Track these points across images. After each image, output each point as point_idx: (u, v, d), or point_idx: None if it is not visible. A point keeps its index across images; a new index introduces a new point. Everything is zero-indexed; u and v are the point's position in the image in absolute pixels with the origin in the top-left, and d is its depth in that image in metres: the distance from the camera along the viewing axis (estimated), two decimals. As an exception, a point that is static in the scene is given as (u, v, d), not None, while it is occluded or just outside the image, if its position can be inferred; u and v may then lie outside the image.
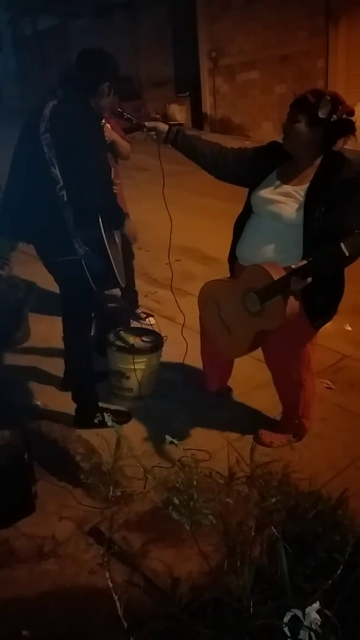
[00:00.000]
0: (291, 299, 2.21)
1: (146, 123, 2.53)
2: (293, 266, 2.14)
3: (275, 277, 2.17)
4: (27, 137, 2.38)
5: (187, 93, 13.13)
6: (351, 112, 2.16)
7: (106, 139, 3.21)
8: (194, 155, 2.49)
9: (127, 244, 3.57)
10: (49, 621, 1.88)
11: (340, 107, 2.12)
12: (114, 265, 2.46)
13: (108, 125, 3.24)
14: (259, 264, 2.27)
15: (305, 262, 2.11)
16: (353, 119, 2.19)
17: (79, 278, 2.43)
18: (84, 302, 2.63)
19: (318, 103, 2.11)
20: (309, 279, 2.11)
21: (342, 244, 1.97)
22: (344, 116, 2.13)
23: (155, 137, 2.48)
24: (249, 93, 11.92)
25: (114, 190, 2.57)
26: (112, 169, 3.37)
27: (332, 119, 2.12)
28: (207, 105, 12.83)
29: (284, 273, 2.16)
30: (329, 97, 2.11)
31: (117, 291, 3.83)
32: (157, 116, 13.21)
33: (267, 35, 11.03)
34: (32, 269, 3.96)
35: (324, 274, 2.16)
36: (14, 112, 10.20)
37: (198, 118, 13.06)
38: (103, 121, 3.20)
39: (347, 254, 1.98)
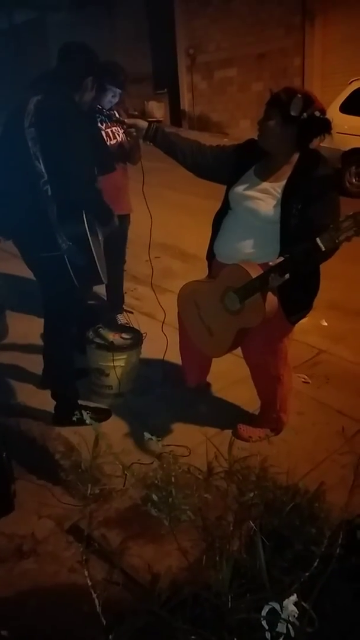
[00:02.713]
0: (270, 296, 2.23)
1: (126, 120, 2.53)
2: (271, 263, 2.16)
3: (254, 275, 2.18)
4: (10, 132, 2.36)
5: (165, 90, 13.12)
6: (322, 111, 2.19)
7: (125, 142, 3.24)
8: (173, 152, 2.49)
9: (120, 248, 3.57)
10: (29, 620, 1.86)
11: (311, 105, 2.15)
12: (96, 261, 2.45)
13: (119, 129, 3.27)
14: (236, 263, 2.28)
15: (282, 258, 2.13)
16: (329, 118, 2.22)
17: (61, 274, 2.42)
18: (66, 298, 2.61)
19: (290, 101, 2.14)
20: (287, 275, 2.13)
21: (318, 240, 2.00)
22: (317, 113, 2.16)
23: (134, 134, 2.48)
24: (227, 90, 11.97)
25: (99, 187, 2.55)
26: (122, 169, 3.40)
27: (303, 117, 2.14)
28: (185, 103, 12.84)
29: (261, 271, 2.18)
30: (300, 96, 2.14)
31: (102, 292, 3.84)
32: (136, 113, 13.17)
33: (245, 33, 11.09)
34: (10, 266, 3.94)
35: (301, 269, 2.18)
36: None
37: (176, 115, 13.07)
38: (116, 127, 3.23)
39: (323, 249, 2.00)
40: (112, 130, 3.27)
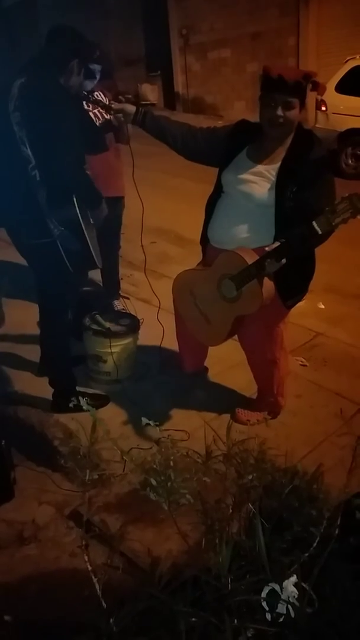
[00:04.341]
0: (266, 282, 2.22)
1: (113, 105, 2.49)
2: (267, 248, 2.14)
3: (249, 261, 2.17)
4: None
5: (159, 72, 12.95)
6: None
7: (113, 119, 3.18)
8: (163, 136, 2.45)
9: (114, 232, 3.55)
10: (30, 605, 1.88)
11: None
12: (90, 246, 2.43)
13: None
14: (231, 250, 2.26)
15: (278, 243, 2.12)
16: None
17: (55, 260, 2.40)
18: (60, 285, 2.60)
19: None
20: (284, 260, 2.12)
21: (314, 223, 1.98)
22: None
23: (123, 119, 2.44)
24: (221, 72, 11.82)
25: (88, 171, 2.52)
26: (115, 149, 3.35)
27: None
28: (179, 85, 12.69)
29: (256, 257, 2.16)
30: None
31: (98, 278, 3.82)
32: (129, 96, 13.00)
33: (239, 12, 10.93)
34: (4, 253, 3.91)
35: (297, 253, 2.17)
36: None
37: (170, 97, 12.92)
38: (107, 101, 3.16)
39: (319, 232, 1.99)
40: (99, 110, 3.22)
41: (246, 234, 2.32)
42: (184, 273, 2.60)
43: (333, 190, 2.22)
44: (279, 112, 2.13)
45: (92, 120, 3.20)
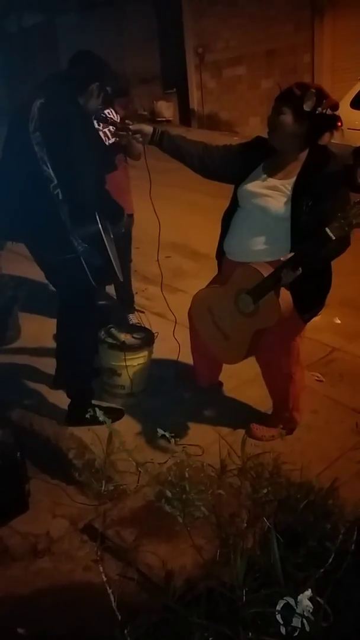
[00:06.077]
0: (283, 293, 2.22)
1: (131, 126, 2.51)
2: (282, 259, 2.16)
3: (265, 274, 2.18)
4: (15, 136, 2.36)
5: (174, 89, 13.10)
6: (335, 106, 2.18)
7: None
8: (180, 156, 2.48)
9: (125, 247, 3.59)
10: (44, 618, 1.88)
11: (324, 100, 2.14)
12: (112, 260, 2.46)
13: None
14: (247, 264, 2.28)
15: (293, 253, 2.13)
16: (337, 113, 2.21)
17: (78, 276, 2.42)
18: (84, 299, 2.62)
19: (303, 96, 2.13)
20: (299, 270, 2.13)
21: (327, 229, 2.00)
22: (328, 110, 2.15)
23: (140, 139, 2.47)
24: (236, 88, 11.92)
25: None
26: (124, 169, 3.39)
27: (317, 112, 2.13)
28: (194, 102, 12.81)
29: (272, 269, 2.17)
30: (314, 90, 2.13)
31: (112, 292, 3.85)
32: (145, 113, 13.15)
33: (253, 30, 11.04)
34: (21, 267, 3.97)
35: (313, 263, 2.17)
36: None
37: (186, 114, 13.04)
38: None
39: (333, 238, 2.00)
40: (109, 130, 3.27)
41: (262, 246, 2.33)
42: (201, 291, 2.61)
43: (348, 205, 2.23)
44: (271, 116, 2.24)
45: (102, 139, 3.25)
